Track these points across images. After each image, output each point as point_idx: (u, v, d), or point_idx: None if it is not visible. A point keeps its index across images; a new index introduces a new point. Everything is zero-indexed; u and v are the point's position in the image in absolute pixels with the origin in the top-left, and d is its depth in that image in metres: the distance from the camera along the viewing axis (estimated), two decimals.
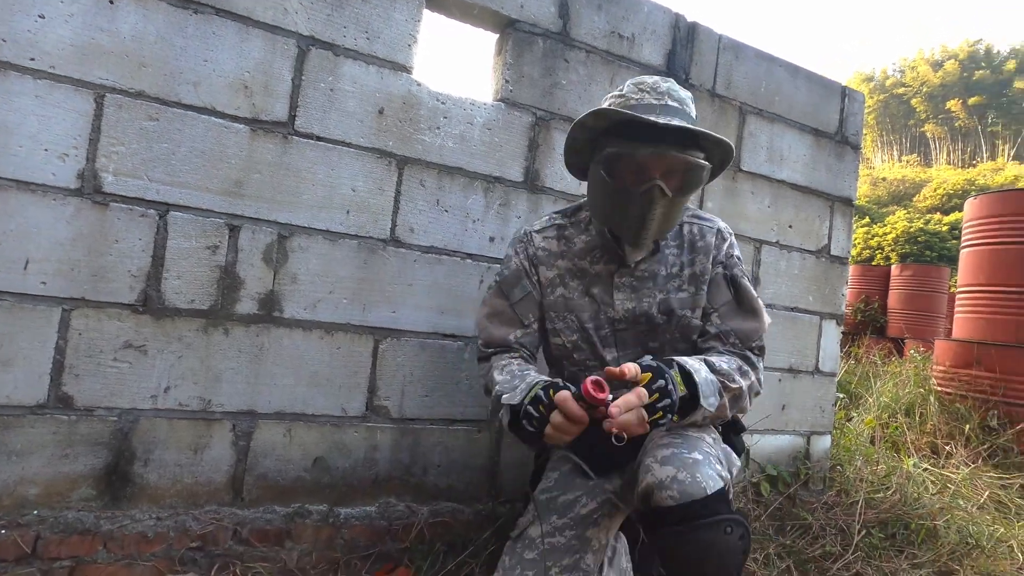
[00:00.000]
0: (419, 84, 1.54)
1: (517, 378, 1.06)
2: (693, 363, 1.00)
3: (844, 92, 2.25)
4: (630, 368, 0.89)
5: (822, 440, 2.26)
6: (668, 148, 1.01)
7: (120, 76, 1.25)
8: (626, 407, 0.85)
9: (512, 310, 1.21)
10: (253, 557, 1.33)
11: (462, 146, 1.59)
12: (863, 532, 1.99)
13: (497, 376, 1.11)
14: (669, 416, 0.91)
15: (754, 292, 1.21)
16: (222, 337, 1.35)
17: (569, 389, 0.90)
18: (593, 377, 0.86)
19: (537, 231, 1.26)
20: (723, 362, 1.08)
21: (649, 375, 0.91)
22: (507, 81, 1.64)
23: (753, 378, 1.12)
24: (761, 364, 1.17)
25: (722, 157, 1.12)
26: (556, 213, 1.30)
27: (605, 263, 1.19)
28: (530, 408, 0.93)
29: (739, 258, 1.24)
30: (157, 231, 1.29)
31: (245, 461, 1.37)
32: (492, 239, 1.63)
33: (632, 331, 1.19)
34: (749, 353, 1.16)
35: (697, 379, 0.97)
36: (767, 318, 1.19)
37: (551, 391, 0.92)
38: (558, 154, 1.71)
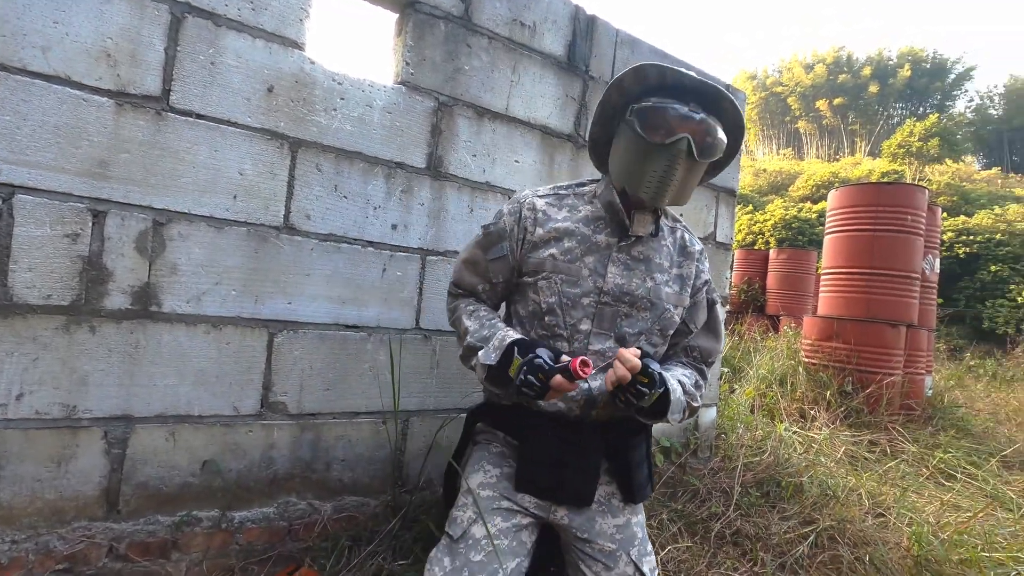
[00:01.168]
0: (313, 62, 1.45)
1: (486, 328, 1.16)
2: (673, 382, 1.10)
3: (727, 88, 2.42)
4: (637, 359, 1.01)
5: (709, 412, 2.47)
6: (700, 110, 1.09)
7: None
8: (626, 361, 0.99)
9: (485, 264, 1.22)
10: (134, 573, 1.23)
11: (361, 129, 1.53)
12: (742, 492, 2.21)
13: (467, 321, 1.19)
14: (636, 403, 1.02)
15: (722, 317, 1.36)
16: (88, 336, 1.21)
17: (541, 358, 1.02)
18: (583, 358, 0.97)
19: (540, 195, 1.25)
20: (688, 378, 1.20)
21: (645, 373, 1.02)
22: (407, 64, 1.60)
23: (703, 392, 1.27)
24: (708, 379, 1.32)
25: (729, 152, 1.21)
26: (558, 186, 1.30)
27: (607, 235, 1.19)
28: (531, 378, 1.02)
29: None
30: (0, 216, 1.12)
31: (121, 470, 1.25)
32: (395, 226, 1.59)
33: (612, 309, 1.17)
34: (704, 367, 1.29)
35: (672, 397, 1.07)
36: (725, 341, 1.32)
37: (540, 374, 1.01)
38: (462, 140, 1.70)
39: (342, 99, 1.50)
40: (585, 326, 1.16)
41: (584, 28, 1.95)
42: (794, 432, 3.11)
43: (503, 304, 1.32)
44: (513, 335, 1.10)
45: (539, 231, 1.19)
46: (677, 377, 1.16)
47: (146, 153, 1.26)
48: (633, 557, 1.14)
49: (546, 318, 1.16)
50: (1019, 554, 1.83)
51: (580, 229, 1.19)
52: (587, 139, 1.28)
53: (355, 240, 1.53)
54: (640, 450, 1.22)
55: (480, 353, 1.11)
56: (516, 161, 1.81)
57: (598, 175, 2.01)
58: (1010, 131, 24.80)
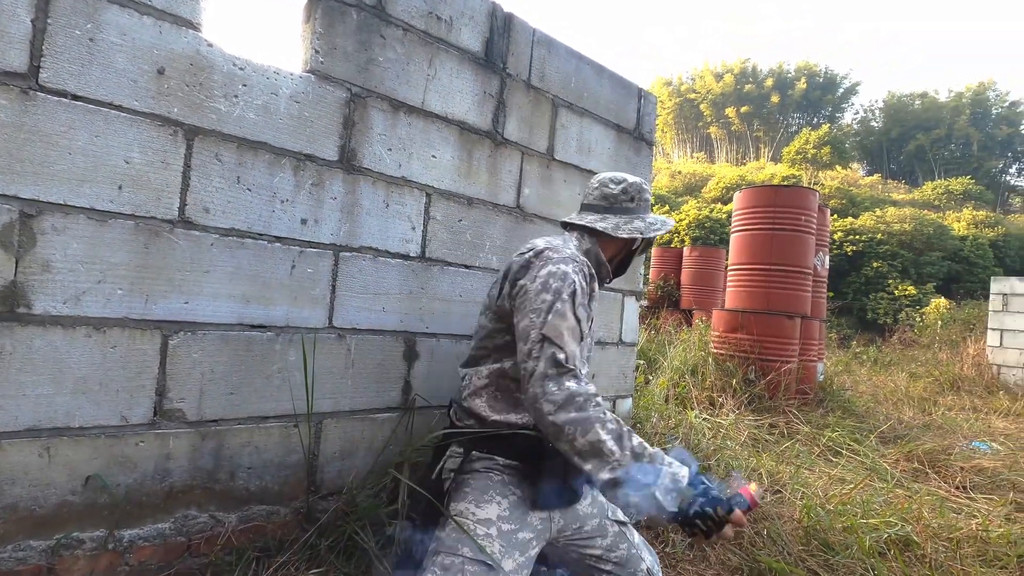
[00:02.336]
0: (211, 45, 1.36)
1: (642, 456, 1.04)
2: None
3: (640, 93, 2.52)
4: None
5: (625, 402, 2.57)
6: None
7: None
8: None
9: (581, 331, 1.18)
10: None
11: (266, 119, 1.45)
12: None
13: (604, 435, 1.03)
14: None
15: None
16: None
17: (712, 489, 1.04)
18: (754, 491, 1.06)
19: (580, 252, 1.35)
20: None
21: None
22: (317, 52, 1.53)
23: None
24: None
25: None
26: (568, 251, 1.31)
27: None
28: (708, 510, 1.01)
29: None
30: None
31: None
32: (305, 221, 1.52)
33: (586, 347, 1.30)
34: None
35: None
36: None
37: (719, 508, 1.01)
38: (377, 133, 1.65)
39: (244, 86, 1.41)
40: (586, 366, 1.29)
41: (501, 25, 1.96)
42: (704, 418, 3.30)
43: (497, 321, 1.30)
44: (679, 465, 1.05)
45: (590, 298, 1.28)
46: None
47: (10, 136, 1.12)
48: (611, 517, 1.36)
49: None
50: (890, 519, 2.06)
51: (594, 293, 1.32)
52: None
53: (261, 235, 1.45)
54: None
55: (657, 492, 1.01)
56: (433, 156, 1.79)
57: (517, 171, 2.06)
58: (888, 141, 27.68)
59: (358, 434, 1.64)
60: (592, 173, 2.30)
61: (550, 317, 1.13)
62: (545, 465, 1.21)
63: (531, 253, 1.27)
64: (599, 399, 1.08)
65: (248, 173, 1.42)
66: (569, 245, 1.33)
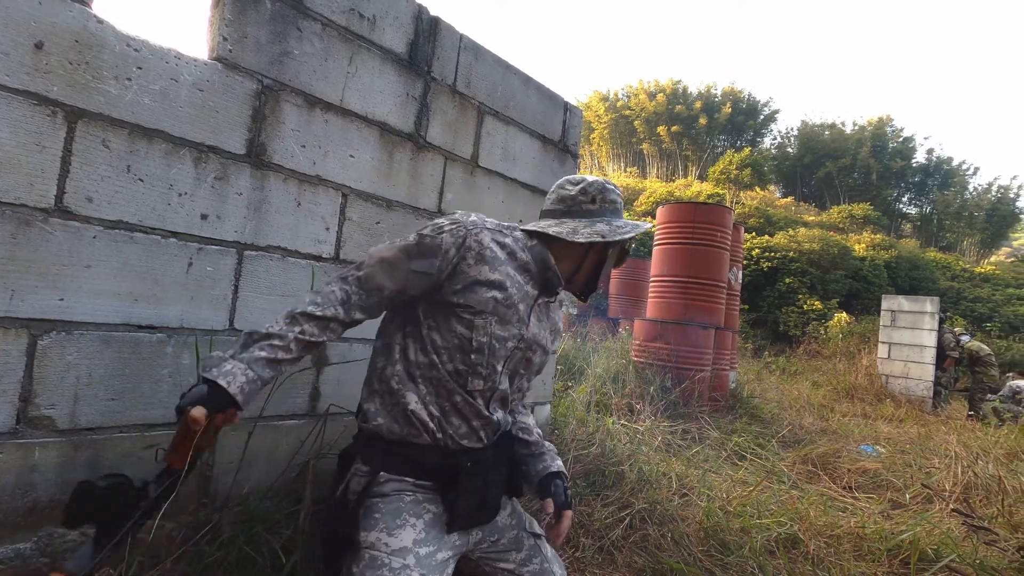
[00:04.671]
0: (101, 21, 1.26)
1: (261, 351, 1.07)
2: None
3: (567, 106, 2.58)
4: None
5: (544, 409, 2.60)
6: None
7: None
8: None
9: (406, 272, 1.16)
10: None
11: (164, 105, 1.36)
12: (571, 483, 2.36)
13: (286, 325, 1.11)
14: None
15: None
16: None
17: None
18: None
19: (490, 229, 1.21)
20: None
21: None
22: (225, 39, 1.46)
23: None
24: None
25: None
26: (501, 225, 1.26)
27: (532, 287, 1.26)
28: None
29: None
30: None
31: None
32: (205, 216, 1.44)
33: (520, 356, 1.25)
34: None
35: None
36: None
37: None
38: (289, 128, 1.59)
39: (140, 68, 1.32)
40: (499, 367, 1.21)
41: (428, 28, 1.94)
42: (622, 424, 3.41)
43: (383, 316, 1.28)
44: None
45: (483, 269, 1.17)
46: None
47: None
48: (528, 529, 1.35)
49: (473, 356, 1.17)
50: (781, 519, 2.20)
51: (517, 277, 1.23)
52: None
53: (154, 229, 1.35)
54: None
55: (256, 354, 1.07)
56: (351, 156, 1.74)
57: (439, 176, 2.03)
58: (802, 167, 29.93)
59: (258, 443, 1.56)
60: (517, 182, 2.33)
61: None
62: (459, 482, 1.17)
63: None
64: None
65: (141, 162, 1.33)
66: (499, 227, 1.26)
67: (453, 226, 1.18)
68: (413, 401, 1.16)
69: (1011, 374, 7.96)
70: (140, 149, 1.32)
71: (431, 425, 1.17)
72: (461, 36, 2.06)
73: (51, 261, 1.21)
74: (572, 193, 1.30)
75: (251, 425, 1.54)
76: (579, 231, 1.24)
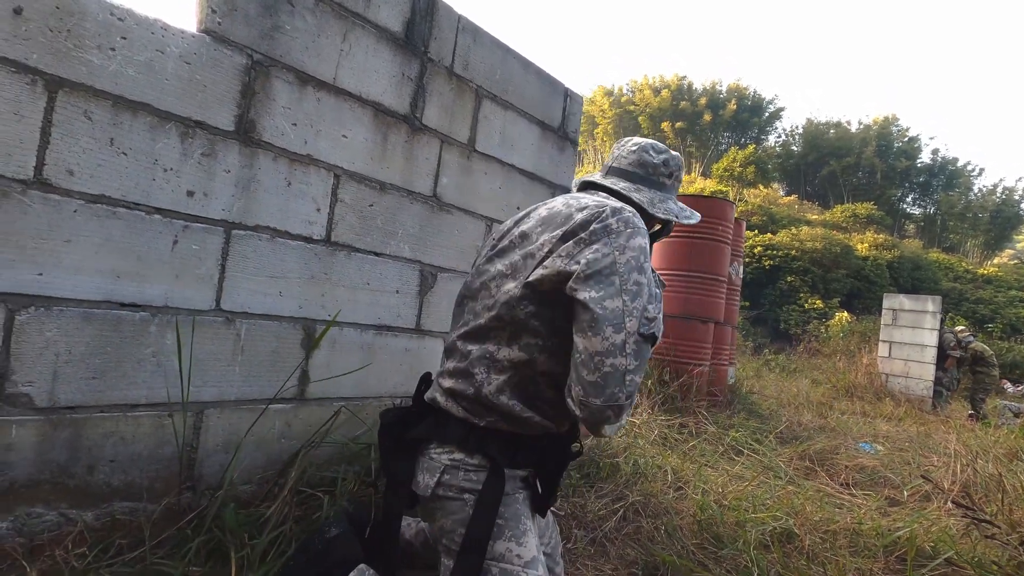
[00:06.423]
0: None
1: None
2: None
3: (567, 92, 2.54)
4: None
5: None
6: None
7: None
8: None
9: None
10: None
11: (150, 78, 1.32)
12: (566, 475, 2.34)
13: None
14: None
15: None
16: None
17: None
18: None
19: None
20: None
21: None
22: (214, 11, 1.42)
23: None
24: None
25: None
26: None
27: None
28: None
29: None
30: None
31: None
32: (191, 193, 1.40)
33: None
34: None
35: None
36: None
37: None
38: (280, 106, 1.55)
39: (124, 39, 1.28)
40: None
41: (425, 7, 1.90)
42: None
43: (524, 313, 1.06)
44: None
45: None
46: None
47: None
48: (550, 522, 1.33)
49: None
50: (777, 513, 2.17)
51: None
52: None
53: (137, 205, 1.32)
54: None
55: None
56: (344, 136, 1.71)
57: (435, 159, 1.97)
58: (806, 165, 29.78)
59: (246, 426, 1.53)
60: (514, 168, 2.29)
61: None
62: (549, 468, 1.14)
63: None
64: None
65: (125, 135, 1.29)
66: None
67: (636, 225, 1.10)
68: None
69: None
70: (124, 122, 1.29)
71: (551, 412, 1.09)
72: (459, 17, 2.02)
73: (30, 235, 1.18)
74: (656, 161, 1.23)
75: (239, 408, 1.51)
76: (655, 204, 1.19)
